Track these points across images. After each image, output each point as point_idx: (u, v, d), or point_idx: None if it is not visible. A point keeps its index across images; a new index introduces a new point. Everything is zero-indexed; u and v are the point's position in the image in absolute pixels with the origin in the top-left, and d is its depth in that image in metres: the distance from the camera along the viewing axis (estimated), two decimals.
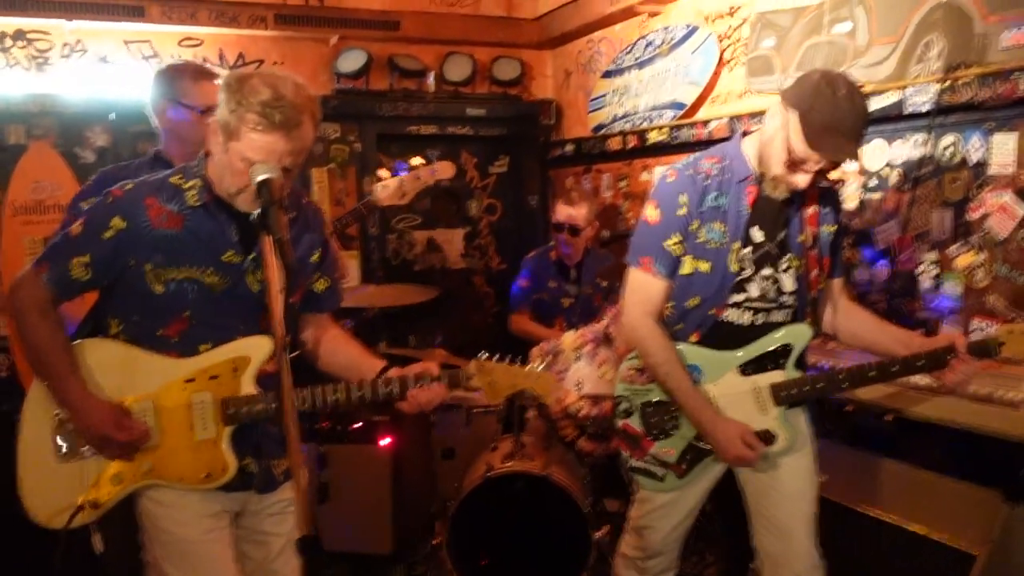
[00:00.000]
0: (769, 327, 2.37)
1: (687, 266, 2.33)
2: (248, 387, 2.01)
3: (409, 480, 3.82)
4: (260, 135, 1.89)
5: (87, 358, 2.03)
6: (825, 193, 2.41)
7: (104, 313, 2.09)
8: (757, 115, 3.73)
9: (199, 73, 2.76)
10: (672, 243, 2.32)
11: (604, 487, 3.72)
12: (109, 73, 4.59)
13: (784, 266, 2.34)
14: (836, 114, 2.12)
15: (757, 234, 2.32)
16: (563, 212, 4.08)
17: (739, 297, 2.33)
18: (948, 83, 2.91)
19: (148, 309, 2.02)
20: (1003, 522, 2.49)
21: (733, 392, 2.35)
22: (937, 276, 3.10)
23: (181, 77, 2.73)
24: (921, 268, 3.16)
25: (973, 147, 2.95)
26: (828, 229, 2.40)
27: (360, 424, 3.76)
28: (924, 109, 3.01)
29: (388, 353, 4.16)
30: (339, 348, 2.26)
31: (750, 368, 2.35)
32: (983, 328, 2.94)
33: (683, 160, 2.40)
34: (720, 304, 2.33)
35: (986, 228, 2.92)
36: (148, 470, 2.02)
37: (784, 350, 2.34)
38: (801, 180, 2.22)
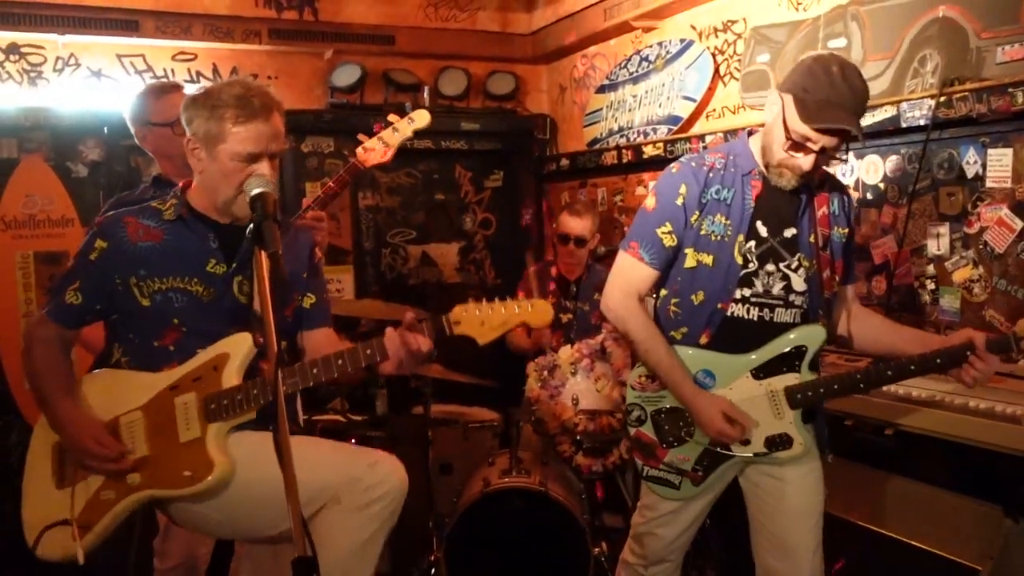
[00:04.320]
0: (777, 326, 2.34)
1: (690, 259, 2.32)
2: (230, 381, 2.00)
3: (405, 496, 3.79)
4: (244, 126, 1.98)
5: (87, 389, 2.11)
6: (836, 196, 2.40)
7: (109, 343, 2.18)
8: (752, 130, 3.74)
9: (161, 90, 2.86)
10: (664, 231, 2.31)
11: (602, 502, 3.71)
12: (102, 87, 4.57)
13: (794, 265, 2.32)
14: (829, 89, 2.12)
15: (761, 229, 2.31)
16: (568, 223, 4.06)
17: (745, 292, 2.31)
18: (944, 98, 2.92)
19: (140, 325, 2.09)
20: (1004, 537, 2.49)
21: (747, 396, 2.31)
22: (935, 290, 3.11)
23: (146, 99, 2.81)
24: (918, 282, 3.17)
25: (969, 161, 2.97)
26: (840, 232, 2.38)
27: (355, 440, 3.73)
28: (920, 124, 3.03)
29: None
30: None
31: (763, 372, 2.31)
32: None
33: (689, 155, 2.41)
34: (726, 298, 2.30)
35: (983, 242, 2.93)
36: (137, 484, 2.01)
37: (798, 352, 2.30)
38: (805, 162, 2.20)
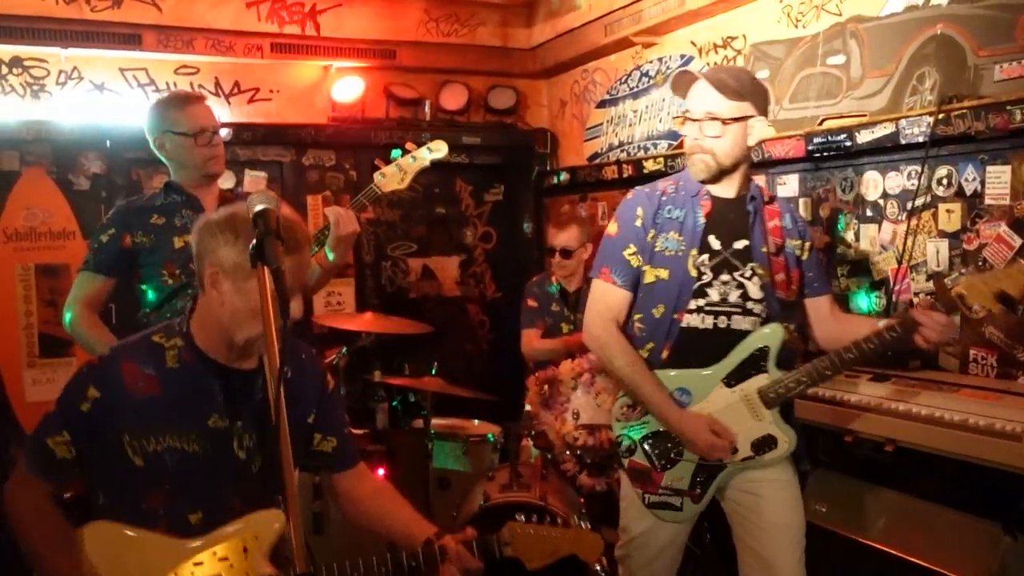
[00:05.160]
0: (734, 333, 2.41)
1: (649, 276, 2.43)
2: (261, 567, 1.84)
3: None
4: (286, 259, 1.76)
5: (92, 548, 1.85)
6: (788, 212, 2.53)
7: (91, 484, 1.94)
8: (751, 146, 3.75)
9: (185, 100, 2.86)
10: (629, 253, 2.43)
11: (601, 517, 3.70)
12: (104, 101, 4.59)
13: (747, 274, 2.41)
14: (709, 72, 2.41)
15: (714, 242, 2.41)
16: (553, 236, 4.09)
17: (700, 302, 2.40)
18: (942, 115, 2.94)
19: (128, 483, 1.87)
20: (1003, 554, 2.49)
21: (724, 405, 2.38)
22: (933, 307, 3.11)
23: (169, 108, 2.82)
24: (918, 298, 3.17)
25: (968, 178, 2.98)
26: (793, 243, 2.49)
27: None
28: (919, 140, 3.04)
29: (382, 382, 4.14)
30: (384, 511, 2.09)
31: (734, 379, 2.39)
32: (981, 358, 2.95)
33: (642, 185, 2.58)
34: (682, 308, 2.40)
35: (982, 259, 2.94)
36: None
37: (761, 353, 2.38)
38: (690, 131, 2.40)
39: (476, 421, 4.18)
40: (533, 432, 3.55)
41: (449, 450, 3.91)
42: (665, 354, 2.42)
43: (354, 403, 4.34)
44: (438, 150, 3.02)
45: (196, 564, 1.85)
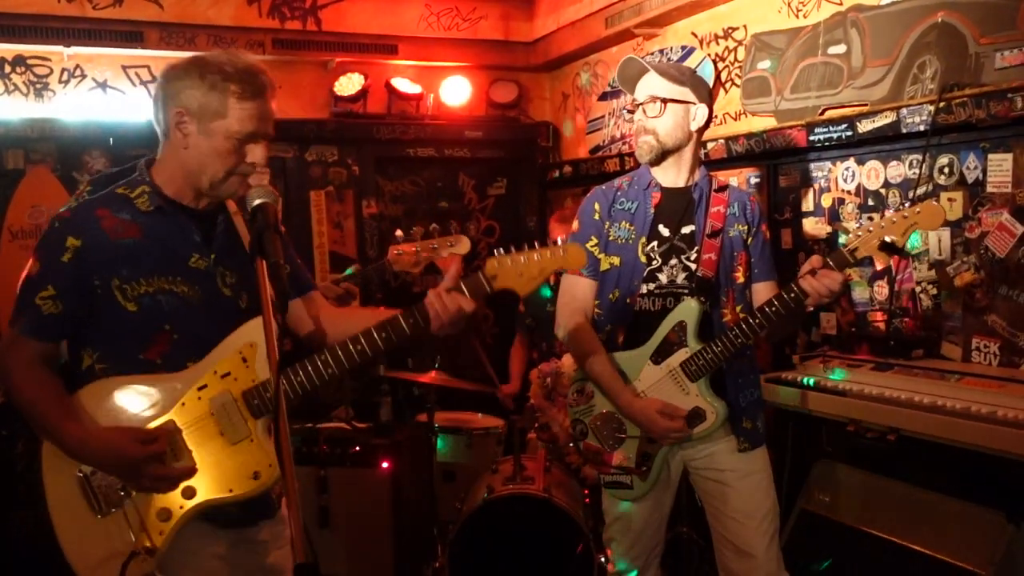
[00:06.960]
0: None
1: (604, 263, 2.56)
2: (264, 372, 1.86)
3: (410, 503, 3.81)
4: (250, 102, 1.85)
5: (92, 404, 1.87)
6: (738, 201, 2.57)
7: (75, 346, 1.92)
8: (753, 136, 3.76)
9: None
10: (591, 245, 2.56)
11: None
12: (108, 98, 4.61)
13: (692, 256, 2.52)
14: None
15: (663, 230, 2.53)
16: (556, 229, 4.09)
17: (650, 286, 2.52)
18: (943, 103, 2.93)
19: (125, 333, 1.87)
20: (1008, 543, 2.49)
21: (654, 381, 2.48)
22: (936, 295, 3.11)
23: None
24: (920, 287, 3.17)
25: (969, 167, 2.98)
26: (739, 227, 2.55)
27: (360, 447, 3.74)
28: (920, 129, 3.03)
29: (386, 376, 4.16)
30: (347, 319, 2.11)
31: (659, 356, 2.48)
32: (984, 346, 2.95)
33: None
34: (634, 293, 2.52)
35: (984, 247, 2.93)
36: (192, 495, 1.86)
37: (681, 328, 2.47)
38: (636, 118, 2.53)
39: (480, 414, 4.19)
40: (537, 425, 3.56)
41: (453, 443, 3.93)
42: (620, 337, 2.53)
43: (359, 397, 4.36)
44: (460, 247, 3.09)
45: (200, 389, 1.88)
